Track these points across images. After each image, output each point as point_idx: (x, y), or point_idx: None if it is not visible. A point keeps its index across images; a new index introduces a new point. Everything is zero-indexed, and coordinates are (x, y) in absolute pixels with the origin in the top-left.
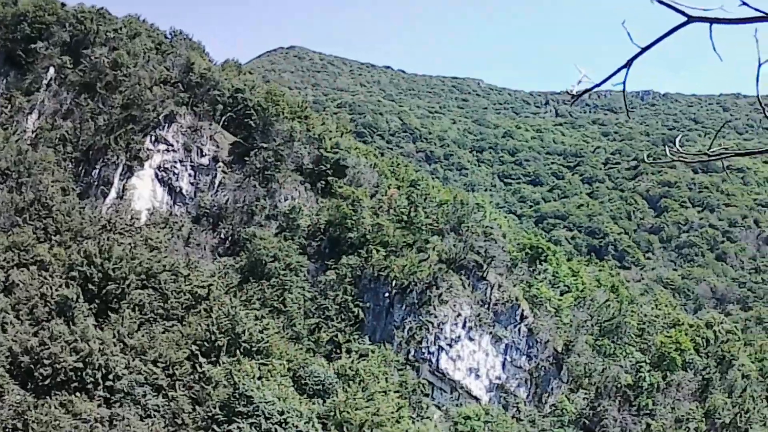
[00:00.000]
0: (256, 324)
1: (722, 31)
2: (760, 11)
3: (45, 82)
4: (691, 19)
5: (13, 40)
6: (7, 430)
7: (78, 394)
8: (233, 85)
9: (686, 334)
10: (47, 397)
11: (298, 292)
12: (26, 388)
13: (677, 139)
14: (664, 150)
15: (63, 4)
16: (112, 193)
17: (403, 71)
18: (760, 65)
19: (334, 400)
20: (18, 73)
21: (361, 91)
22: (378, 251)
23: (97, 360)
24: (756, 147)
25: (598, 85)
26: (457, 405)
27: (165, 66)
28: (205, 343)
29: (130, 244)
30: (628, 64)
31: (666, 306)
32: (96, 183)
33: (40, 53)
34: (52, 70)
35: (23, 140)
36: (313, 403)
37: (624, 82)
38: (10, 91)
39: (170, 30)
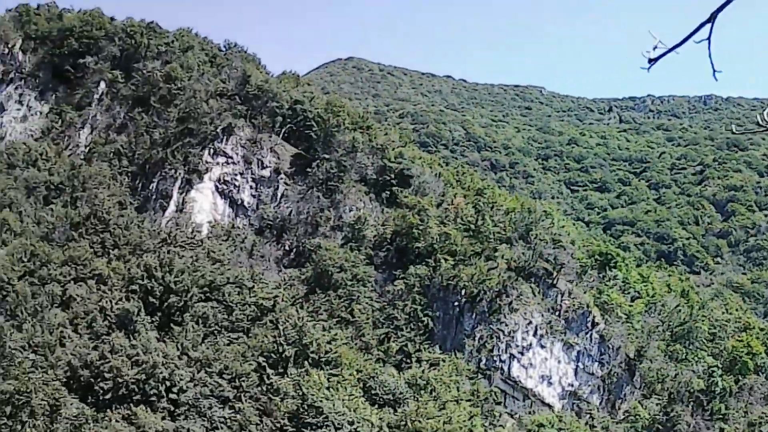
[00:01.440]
0: (324, 335)
1: None
2: None
3: (96, 96)
4: None
5: (60, 55)
6: None
7: (140, 406)
8: (292, 96)
9: (757, 338)
10: (108, 410)
11: (366, 303)
12: (86, 401)
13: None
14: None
15: (111, 19)
16: (171, 207)
17: (465, 80)
18: None
19: (405, 410)
20: (67, 88)
21: (422, 101)
22: (446, 260)
23: (161, 373)
24: None
25: (680, 44)
26: (529, 412)
27: (220, 79)
28: (272, 355)
29: (191, 256)
30: (711, 19)
31: (736, 310)
32: (154, 196)
33: (90, 68)
34: (102, 84)
35: (76, 155)
36: (384, 413)
37: (709, 38)
38: (59, 106)
39: (224, 43)
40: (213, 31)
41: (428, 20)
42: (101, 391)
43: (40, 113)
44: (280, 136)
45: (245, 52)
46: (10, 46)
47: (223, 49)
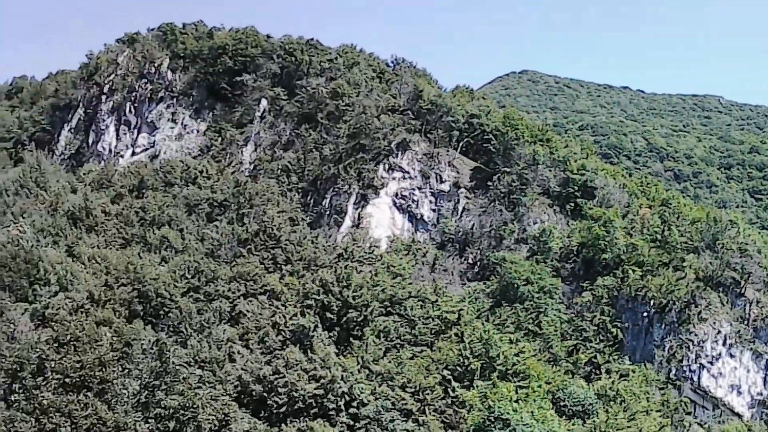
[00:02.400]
0: (511, 347)
1: None
2: None
3: (258, 114)
4: None
5: (213, 73)
6: None
7: (317, 420)
8: (467, 110)
9: None
10: (281, 424)
11: (554, 315)
12: (258, 416)
13: None
14: None
15: (268, 36)
16: (347, 222)
17: (642, 91)
18: None
19: (594, 421)
20: (225, 106)
21: (601, 113)
22: (634, 271)
23: (340, 387)
24: None
25: None
26: (719, 422)
27: (390, 94)
28: (458, 368)
29: (370, 271)
30: None
31: None
32: (328, 212)
33: (248, 85)
34: (264, 101)
35: (240, 172)
36: (573, 424)
37: None
38: (218, 124)
39: (392, 58)
40: (377, 46)
41: (600, 32)
42: (275, 406)
43: (197, 131)
44: (458, 150)
45: (414, 67)
46: (157, 65)
47: (391, 65)
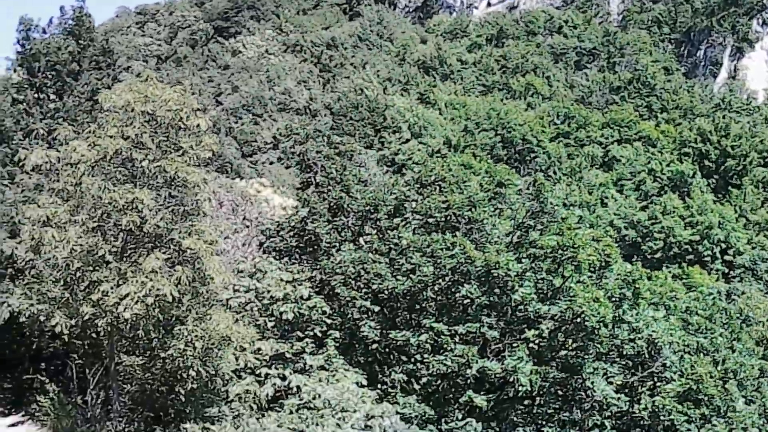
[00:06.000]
0: None
1: None
2: None
3: None
4: None
5: None
6: None
7: (695, 267)
8: None
9: None
10: (657, 270)
11: None
12: (630, 261)
13: None
14: None
15: None
16: (722, 74)
17: None
18: None
19: None
20: None
21: None
22: None
23: (716, 234)
24: None
25: None
26: None
27: None
28: None
29: (748, 122)
30: None
31: None
32: (702, 63)
33: None
34: None
35: (607, 23)
36: None
37: None
38: None
39: None
40: None
41: None
42: (649, 251)
43: None
44: None
45: None
46: None
47: None
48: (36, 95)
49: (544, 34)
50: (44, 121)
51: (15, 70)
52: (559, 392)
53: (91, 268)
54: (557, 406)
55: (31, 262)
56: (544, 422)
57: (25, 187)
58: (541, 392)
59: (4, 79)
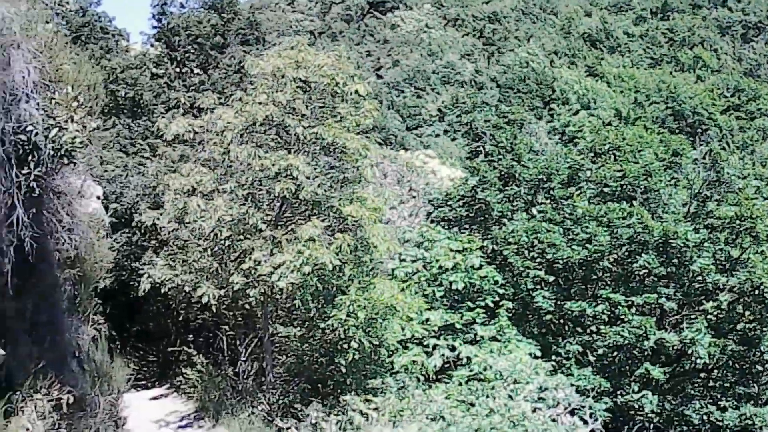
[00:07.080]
0: None
1: None
2: None
3: None
4: None
5: None
6: None
7: None
8: None
9: None
10: None
11: None
12: None
13: None
14: None
15: None
16: None
17: None
18: None
19: None
20: None
21: None
22: None
23: None
24: None
25: None
26: None
27: None
28: None
29: None
30: None
31: None
32: None
33: None
34: None
35: None
36: None
37: None
38: None
39: None
40: None
41: None
42: None
43: None
44: None
45: None
46: None
47: None
48: (177, 69)
49: (709, 7)
50: (188, 94)
51: (152, 45)
52: (736, 365)
53: (241, 237)
54: (734, 380)
55: (174, 232)
56: (719, 395)
57: (169, 158)
58: (718, 365)
59: (141, 54)
